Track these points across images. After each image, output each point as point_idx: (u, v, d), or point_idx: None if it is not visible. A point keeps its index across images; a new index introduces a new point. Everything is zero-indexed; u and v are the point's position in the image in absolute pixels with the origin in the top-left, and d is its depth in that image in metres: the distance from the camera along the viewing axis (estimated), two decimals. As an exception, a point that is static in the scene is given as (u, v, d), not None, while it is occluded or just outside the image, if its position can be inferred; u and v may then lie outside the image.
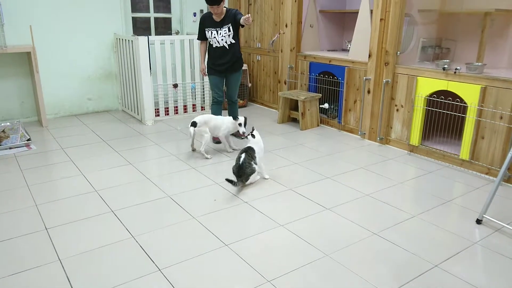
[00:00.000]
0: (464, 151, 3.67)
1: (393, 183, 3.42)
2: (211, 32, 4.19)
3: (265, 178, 3.48)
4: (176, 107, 5.48)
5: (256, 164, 3.35)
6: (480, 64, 3.68)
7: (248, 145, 3.44)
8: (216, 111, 4.48)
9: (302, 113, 4.91)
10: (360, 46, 4.56)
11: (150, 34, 5.98)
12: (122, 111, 5.79)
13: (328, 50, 5.53)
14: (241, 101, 6.06)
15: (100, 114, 5.65)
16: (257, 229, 2.67)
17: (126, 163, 3.82)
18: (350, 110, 4.76)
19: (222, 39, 4.19)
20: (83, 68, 5.46)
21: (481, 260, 2.38)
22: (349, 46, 4.79)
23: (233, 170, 3.30)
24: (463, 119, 3.70)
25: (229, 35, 4.18)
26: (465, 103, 3.61)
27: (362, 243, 2.51)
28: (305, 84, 5.28)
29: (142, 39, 4.83)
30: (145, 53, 4.88)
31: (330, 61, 4.90)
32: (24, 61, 5.04)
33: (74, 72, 5.41)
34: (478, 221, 2.77)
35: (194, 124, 3.93)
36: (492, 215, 2.80)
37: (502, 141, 3.42)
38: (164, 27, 6.15)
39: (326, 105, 5.05)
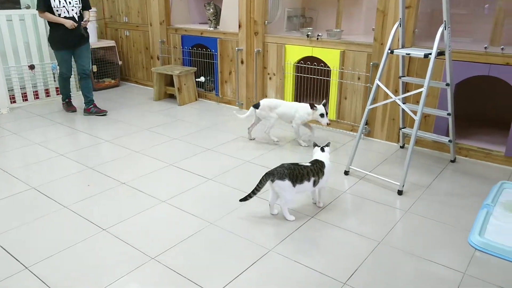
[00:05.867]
0: (332, 112, 3.97)
1: (272, 148, 3.55)
2: (59, 1, 3.98)
3: (319, 207, 2.59)
4: (36, 91, 4.89)
5: (316, 183, 2.45)
6: (338, 30, 3.98)
7: (315, 158, 2.56)
8: (64, 85, 4.46)
9: (178, 88, 4.79)
10: (229, 17, 4.56)
11: (-6, 9, 5.17)
12: (-32, 101, 4.96)
13: (200, 23, 5.43)
14: (112, 81, 5.68)
15: None
16: (138, 209, 2.54)
17: (-23, 157, 3.30)
18: (226, 81, 4.79)
19: (72, 9, 4.06)
20: None
21: (351, 206, 2.63)
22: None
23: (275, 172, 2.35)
24: (328, 82, 3.99)
25: (78, 7, 4.12)
26: (328, 67, 3.88)
27: (246, 207, 2.56)
28: (179, 59, 5.14)
29: (-18, 14, 4.15)
30: (-12, 30, 4.21)
31: (202, 33, 4.83)
32: None
33: None
34: (346, 173, 3.04)
35: (256, 106, 3.54)
36: (357, 166, 3.09)
37: (361, 99, 3.78)
38: (12, 0, 5.36)
39: (202, 78, 5.00)
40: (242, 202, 2.48)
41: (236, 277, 1.95)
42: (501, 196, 2.65)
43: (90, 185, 2.85)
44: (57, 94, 5.05)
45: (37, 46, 4.82)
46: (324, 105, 3.43)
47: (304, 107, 3.46)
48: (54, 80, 5.03)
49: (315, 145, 2.66)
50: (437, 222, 2.43)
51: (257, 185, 2.35)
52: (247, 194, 2.40)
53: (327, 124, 3.43)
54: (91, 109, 4.42)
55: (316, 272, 1.98)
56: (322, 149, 2.59)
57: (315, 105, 3.40)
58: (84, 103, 4.46)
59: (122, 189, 2.80)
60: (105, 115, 4.42)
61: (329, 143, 2.68)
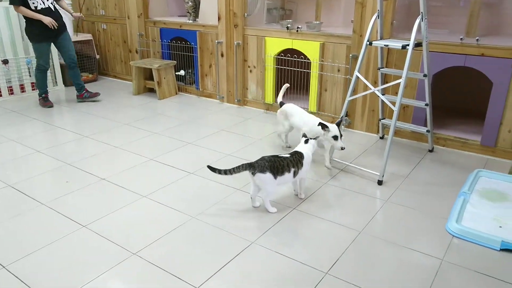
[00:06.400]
0: (312, 104, 3.99)
1: (253, 141, 3.55)
2: None
3: (301, 198, 2.61)
4: (11, 87, 4.76)
5: (296, 174, 2.46)
6: (318, 22, 3.98)
7: (296, 149, 2.58)
8: (42, 78, 4.41)
9: (158, 82, 4.73)
10: (209, 9, 4.52)
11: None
12: None
13: (179, 16, 5.36)
14: (90, 75, 5.57)
15: None
16: (118, 204, 2.51)
17: (-51, 156, 3.20)
18: (206, 75, 4.75)
19: (48, 0, 4.08)
20: None
21: (332, 196, 2.65)
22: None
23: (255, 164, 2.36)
24: (308, 75, 3.99)
25: None
26: (308, 59, 3.89)
27: (227, 200, 2.56)
28: (158, 52, 5.07)
29: (-49, 7, 4.00)
30: (-42, 24, 4.07)
31: (181, 26, 4.77)
32: None
33: None
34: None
35: (281, 104, 3.27)
36: (338, 157, 3.12)
37: (341, 91, 3.80)
38: (-18, -7, 5.19)
39: (182, 72, 4.95)
40: (209, 169, 2.32)
41: (218, 270, 1.95)
42: (477, 184, 2.71)
43: (68, 182, 2.79)
44: (33, 90, 4.93)
45: (11, 40, 4.68)
46: (338, 124, 2.80)
47: (315, 121, 2.93)
48: (30, 75, 4.91)
49: (303, 135, 2.68)
50: (416, 210, 2.47)
51: (233, 168, 2.30)
52: (218, 168, 2.31)
53: (342, 148, 2.79)
54: (84, 94, 4.59)
55: (298, 263, 2.00)
56: (307, 141, 2.61)
57: (327, 124, 2.78)
58: (76, 90, 4.60)
59: (102, 185, 2.76)
60: (97, 99, 4.63)
61: (317, 137, 2.71)
